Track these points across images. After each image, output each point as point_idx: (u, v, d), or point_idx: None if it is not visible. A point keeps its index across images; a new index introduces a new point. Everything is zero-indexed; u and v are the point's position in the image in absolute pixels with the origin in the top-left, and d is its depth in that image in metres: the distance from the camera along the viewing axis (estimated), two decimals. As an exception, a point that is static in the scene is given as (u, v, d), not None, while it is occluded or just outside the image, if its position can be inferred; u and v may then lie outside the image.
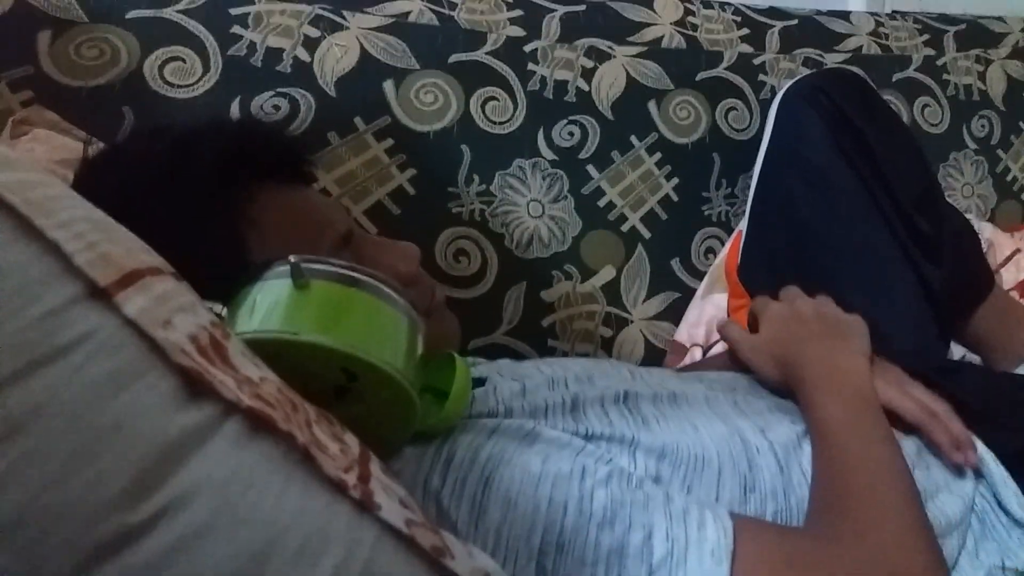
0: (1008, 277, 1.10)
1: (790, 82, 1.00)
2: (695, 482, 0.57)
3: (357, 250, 0.63)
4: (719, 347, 0.98)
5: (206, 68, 0.92)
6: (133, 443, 0.29)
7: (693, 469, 0.57)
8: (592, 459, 0.53)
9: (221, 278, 0.53)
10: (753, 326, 0.76)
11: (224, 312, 0.49)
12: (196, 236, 0.55)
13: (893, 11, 1.42)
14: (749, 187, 1.11)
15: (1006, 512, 0.64)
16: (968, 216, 1.12)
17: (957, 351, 0.97)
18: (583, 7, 1.12)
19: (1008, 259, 1.12)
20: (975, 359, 0.96)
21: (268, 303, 0.49)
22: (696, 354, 1.00)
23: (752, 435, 0.62)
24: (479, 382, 0.73)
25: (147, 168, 0.59)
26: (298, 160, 0.68)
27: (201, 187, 0.58)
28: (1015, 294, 1.06)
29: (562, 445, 0.54)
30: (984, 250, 1.05)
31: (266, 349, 0.43)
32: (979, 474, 0.67)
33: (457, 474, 0.51)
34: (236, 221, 0.58)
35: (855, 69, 1.18)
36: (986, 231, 1.16)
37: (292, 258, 0.49)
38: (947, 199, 1.02)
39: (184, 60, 0.91)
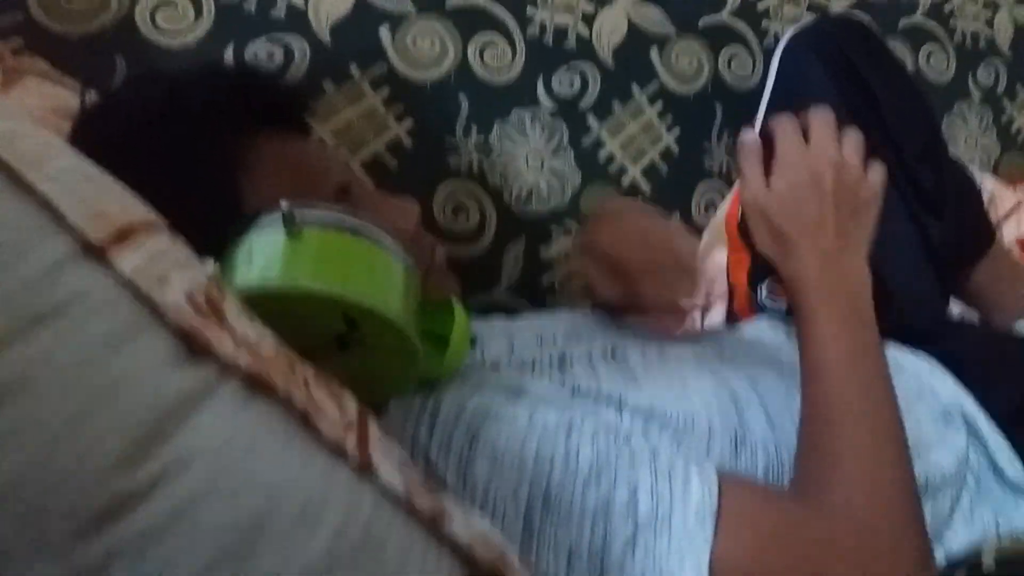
0: (1009, 231, 1.09)
1: (793, 28, 0.97)
2: (684, 440, 0.57)
3: (356, 203, 0.62)
4: (718, 306, 0.98)
5: (198, 13, 0.90)
6: (130, 405, 0.29)
7: (682, 429, 0.57)
8: (579, 413, 0.53)
9: (216, 227, 0.52)
10: (767, 151, 0.67)
11: (217, 267, 0.49)
12: (190, 183, 0.55)
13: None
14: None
15: (1001, 474, 0.65)
16: (971, 168, 1.11)
17: (955, 308, 0.97)
18: (584, -51, 1.09)
19: (1009, 213, 1.12)
20: (972, 316, 0.96)
21: (263, 254, 0.49)
22: (695, 316, 1.00)
23: (741, 387, 0.62)
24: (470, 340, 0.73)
25: (141, 115, 0.58)
26: (295, 108, 0.67)
27: (195, 133, 0.57)
28: (1015, 249, 1.06)
29: (548, 400, 0.54)
30: (985, 204, 1.04)
31: (265, 302, 0.43)
32: (973, 432, 0.67)
33: (443, 428, 0.51)
34: (230, 168, 0.57)
35: (860, 15, 1.16)
36: (988, 184, 1.15)
37: (283, 204, 0.49)
38: (950, 152, 1.01)
39: (176, 6, 0.89)
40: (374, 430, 0.40)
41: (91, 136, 0.57)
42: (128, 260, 0.31)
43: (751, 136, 0.68)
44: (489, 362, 0.62)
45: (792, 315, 0.63)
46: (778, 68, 0.96)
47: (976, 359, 0.72)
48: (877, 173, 0.66)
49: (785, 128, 0.67)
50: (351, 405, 0.41)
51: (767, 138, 0.67)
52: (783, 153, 0.66)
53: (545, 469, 0.49)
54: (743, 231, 0.81)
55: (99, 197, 0.33)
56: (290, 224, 0.48)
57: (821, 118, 0.66)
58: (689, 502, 0.48)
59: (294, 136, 0.65)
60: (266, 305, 0.41)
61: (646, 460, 0.50)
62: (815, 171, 0.64)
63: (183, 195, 0.51)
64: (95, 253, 0.30)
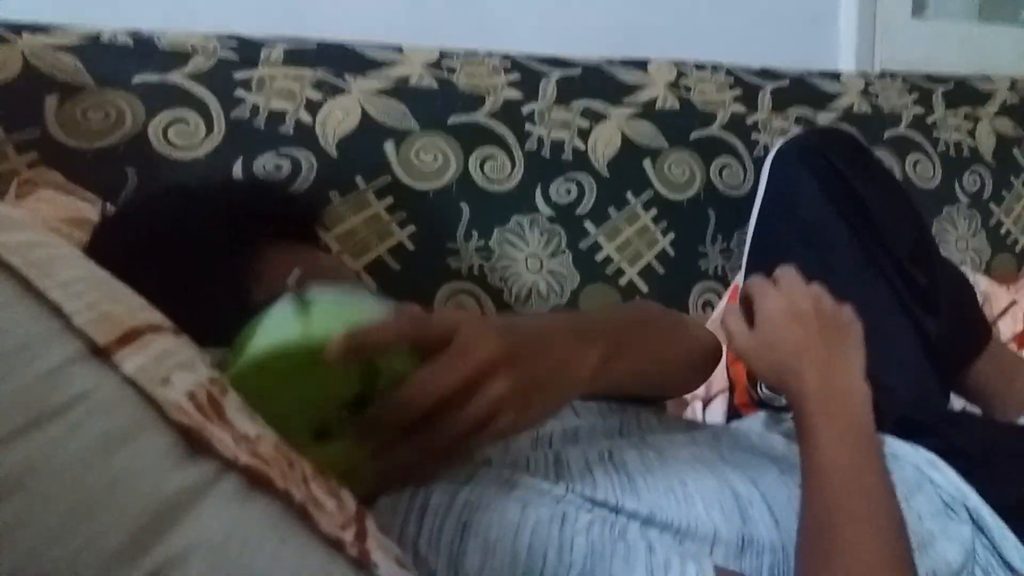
0: (1005, 328, 1.10)
1: (782, 140, 1.01)
2: (686, 543, 0.55)
3: None
4: (719, 399, 0.98)
5: (209, 129, 0.93)
6: (130, 501, 0.29)
7: (684, 533, 0.56)
8: (573, 506, 0.52)
9: (226, 334, 0.53)
10: (747, 309, 0.72)
11: (224, 353, 0.49)
12: (202, 292, 0.56)
13: (882, 71, 1.45)
14: (744, 242, 1.13)
15: (1008, 566, 0.63)
16: (963, 269, 1.13)
17: (957, 403, 0.97)
18: (578, 70, 1.15)
19: (1004, 311, 1.13)
20: (975, 411, 0.95)
21: (278, 322, 0.49)
22: (696, 406, 1.00)
23: (743, 486, 0.61)
24: None
25: (155, 224, 0.60)
26: (306, 220, 0.69)
27: (207, 243, 0.58)
28: (1013, 346, 1.06)
29: (542, 492, 0.53)
30: (981, 302, 1.05)
31: (280, 365, 0.44)
32: (978, 525, 0.66)
33: (433, 520, 0.50)
34: (241, 277, 0.59)
35: (846, 127, 1.21)
36: (981, 284, 1.17)
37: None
38: (942, 253, 1.03)
39: (188, 122, 0.93)
40: (372, 526, 0.39)
41: (108, 244, 0.59)
42: (132, 361, 0.32)
43: (729, 303, 0.72)
44: (481, 458, 0.62)
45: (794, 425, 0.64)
46: (768, 178, 0.99)
47: (978, 451, 0.72)
48: (849, 308, 0.70)
49: (756, 282, 0.71)
50: (349, 502, 0.41)
51: (746, 300, 0.72)
52: (760, 299, 0.70)
53: (538, 562, 0.48)
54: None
55: (107, 302, 0.34)
56: (299, 297, 0.49)
57: (786, 269, 0.72)
58: None
59: (304, 246, 0.67)
60: (280, 371, 0.42)
61: (641, 555, 0.49)
62: (793, 304, 0.68)
63: (195, 303, 0.52)
64: (100, 354, 0.31)
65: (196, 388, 0.35)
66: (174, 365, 0.35)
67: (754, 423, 0.83)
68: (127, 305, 0.36)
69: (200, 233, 0.58)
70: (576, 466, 0.60)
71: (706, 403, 1.00)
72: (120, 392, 0.31)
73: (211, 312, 0.54)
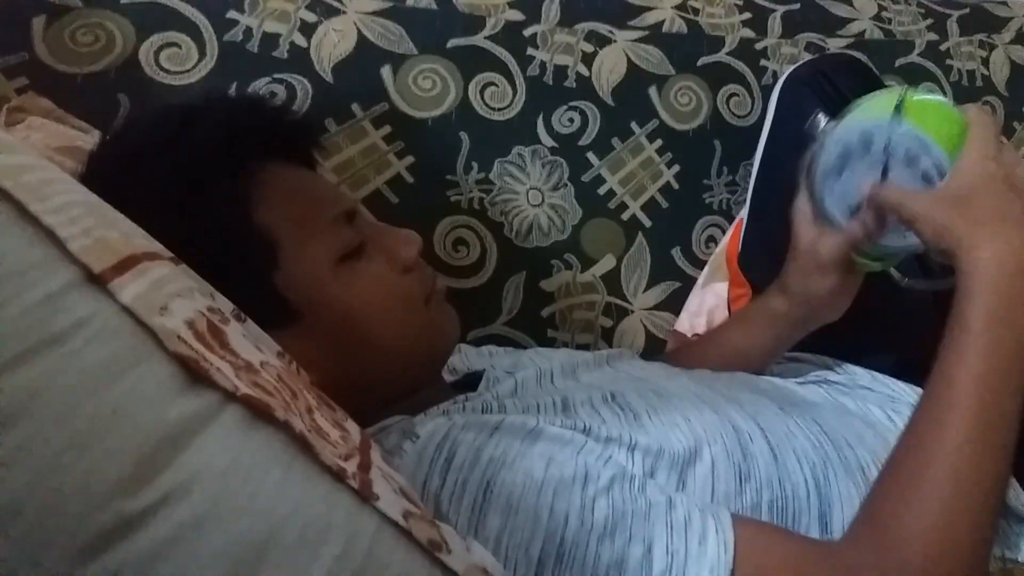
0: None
1: (791, 67, 0.99)
2: (689, 478, 0.56)
3: (360, 230, 0.63)
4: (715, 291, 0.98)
5: (202, 54, 0.91)
6: (131, 430, 0.29)
7: (686, 464, 0.56)
8: (594, 457, 0.53)
9: (224, 251, 0.53)
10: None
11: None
12: (200, 209, 0.55)
13: (896, -5, 1.41)
14: (750, 174, 1.11)
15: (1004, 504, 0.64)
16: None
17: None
18: (583, -9, 1.11)
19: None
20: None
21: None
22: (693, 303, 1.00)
23: (743, 422, 0.61)
24: (475, 376, 0.72)
25: (148, 143, 0.59)
26: (304, 141, 0.67)
27: (204, 161, 0.57)
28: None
29: (564, 442, 0.53)
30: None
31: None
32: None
33: (458, 475, 0.51)
34: (240, 193, 0.57)
35: (856, 54, 1.17)
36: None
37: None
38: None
39: (180, 46, 0.90)
40: (376, 455, 0.40)
41: (102, 167, 0.58)
42: (129, 289, 0.32)
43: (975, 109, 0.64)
44: (497, 404, 0.62)
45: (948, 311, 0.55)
46: (776, 105, 0.97)
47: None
48: None
49: (985, 114, 0.62)
50: (354, 432, 0.41)
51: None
52: (977, 144, 0.60)
53: (560, 524, 0.48)
54: (744, 266, 0.81)
55: (102, 228, 0.34)
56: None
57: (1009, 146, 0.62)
58: (704, 560, 0.47)
59: (302, 168, 0.66)
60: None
61: (662, 513, 0.49)
62: (1010, 176, 0.58)
63: (191, 223, 0.52)
64: (96, 282, 0.31)
65: (195, 316, 0.35)
66: (172, 293, 0.35)
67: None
68: (123, 232, 0.36)
69: (194, 151, 0.57)
70: (583, 410, 0.60)
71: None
72: (118, 320, 0.31)
73: (209, 232, 0.53)
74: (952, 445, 0.50)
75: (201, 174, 0.56)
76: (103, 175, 0.55)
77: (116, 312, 0.31)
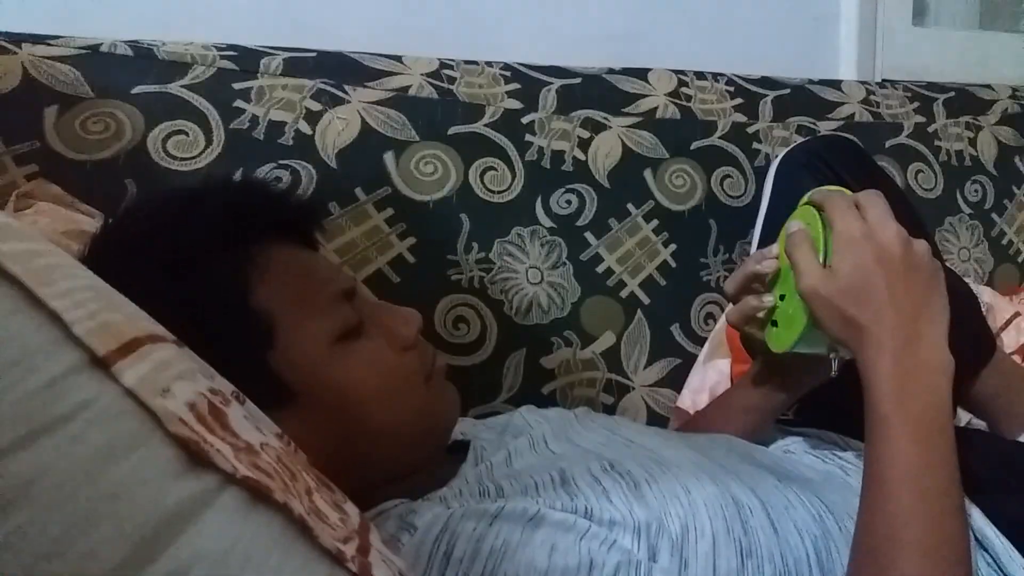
0: (1009, 341, 1.09)
1: (786, 149, 1.01)
2: (691, 557, 0.54)
3: (359, 309, 0.62)
4: (716, 368, 0.98)
5: (209, 141, 0.93)
6: (131, 514, 0.29)
7: (686, 543, 0.55)
8: (598, 543, 0.51)
9: (224, 331, 0.53)
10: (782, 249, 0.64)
11: None
12: (197, 290, 0.55)
13: (883, 79, 1.45)
14: (747, 253, 1.12)
15: None
16: (966, 280, 1.13)
17: (962, 418, 0.96)
18: (579, 80, 1.15)
19: (1008, 322, 1.12)
20: (981, 424, 0.94)
21: None
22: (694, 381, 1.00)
23: (743, 494, 0.60)
24: (462, 445, 0.72)
25: (149, 225, 0.59)
26: (305, 222, 0.67)
27: (206, 242, 0.57)
28: (1017, 358, 1.06)
29: (567, 528, 0.52)
30: (984, 314, 1.04)
31: None
32: (982, 545, 0.65)
33: (457, 569, 0.49)
34: (241, 273, 0.57)
35: (848, 135, 1.21)
36: (984, 295, 1.16)
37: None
38: (945, 263, 1.02)
39: (187, 133, 0.93)
40: (375, 539, 0.39)
41: (104, 250, 0.58)
42: (132, 371, 0.32)
43: (795, 224, 0.66)
44: (494, 486, 0.61)
45: (864, 411, 0.59)
46: (772, 186, 0.99)
47: (985, 468, 0.70)
48: (929, 250, 0.62)
49: (839, 203, 0.62)
50: (354, 514, 0.40)
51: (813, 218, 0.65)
52: (842, 231, 0.61)
53: None
54: (745, 342, 0.82)
55: (107, 311, 0.34)
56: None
57: (874, 196, 0.63)
58: None
59: (303, 249, 0.65)
60: None
61: None
62: (880, 246, 0.60)
63: (189, 302, 0.52)
64: (100, 365, 0.31)
65: (197, 398, 0.35)
66: (175, 375, 0.35)
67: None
68: (127, 315, 0.36)
69: (194, 233, 0.57)
70: (583, 481, 0.59)
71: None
72: (120, 403, 0.31)
73: (205, 313, 0.54)
74: (904, 520, 0.52)
75: (199, 256, 0.56)
76: (104, 256, 0.56)
77: (119, 395, 0.31)
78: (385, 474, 0.62)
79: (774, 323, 0.70)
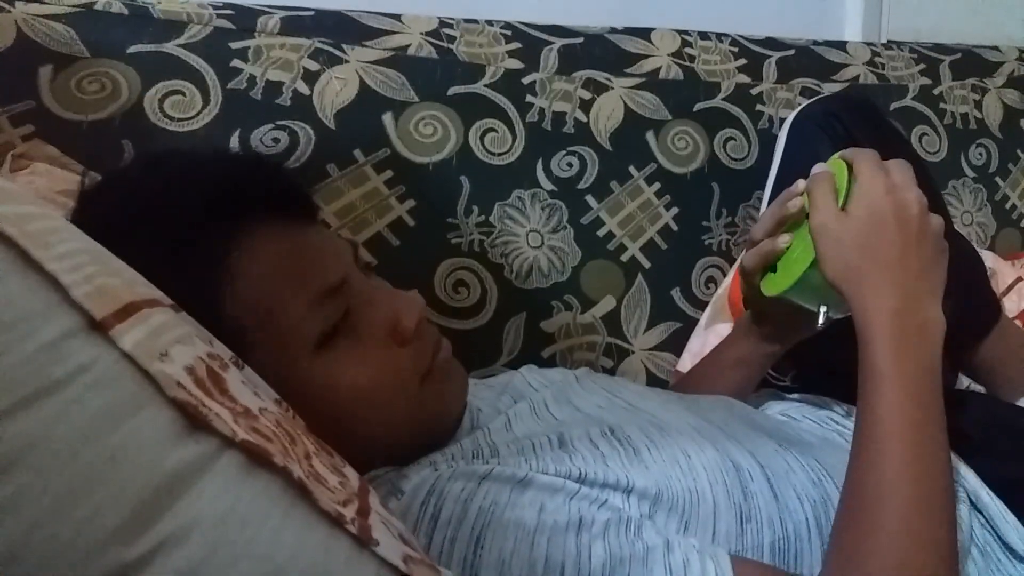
0: (1010, 306, 1.09)
1: (802, 104, 0.99)
2: (692, 520, 0.55)
3: (354, 295, 0.58)
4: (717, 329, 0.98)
5: (206, 101, 0.92)
6: (129, 477, 0.29)
7: (689, 507, 0.55)
8: (588, 502, 0.51)
9: (211, 314, 0.51)
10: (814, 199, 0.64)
11: None
12: (182, 272, 0.50)
13: (889, 40, 1.43)
14: (749, 216, 1.12)
15: (1008, 547, 0.63)
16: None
17: (963, 381, 0.96)
18: (580, 39, 1.13)
19: (1010, 287, 1.12)
20: (979, 389, 0.95)
21: None
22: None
23: (743, 459, 0.60)
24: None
25: (138, 198, 0.56)
26: (296, 198, 0.62)
27: (186, 221, 0.53)
28: (1018, 322, 1.06)
29: (555, 489, 0.52)
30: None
31: None
32: (975, 506, 0.65)
33: (445, 532, 0.49)
34: (223, 257, 0.54)
35: (864, 94, 1.19)
36: (987, 259, 1.16)
37: None
38: (953, 226, 1.01)
39: (184, 93, 0.91)
40: (375, 501, 0.39)
41: (90, 216, 0.55)
42: (130, 335, 0.32)
43: (821, 166, 0.67)
44: (489, 447, 0.61)
45: (859, 363, 0.59)
46: (785, 144, 0.97)
47: (979, 431, 0.71)
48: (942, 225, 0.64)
49: (870, 158, 0.64)
50: (353, 478, 0.40)
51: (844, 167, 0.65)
52: (866, 180, 0.62)
53: (555, 573, 0.47)
54: (748, 304, 0.81)
55: (104, 275, 0.34)
56: None
57: (904, 163, 0.64)
58: None
59: (296, 225, 0.59)
60: None
61: (659, 557, 0.49)
62: (900, 204, 0.61)
63: (177, 283, 0.49)
64: (98, 329, 0.31)
65: (195, 362, 0.35)
66: (173, 339, 0.35)
67: (758, 401, 0.83)
68: (125, 279, 0.36)
69: (178, 211, 0.53)
70: (582, 445, 0.58)
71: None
72: (118, 367, 0.31)
73: (194, 292, 0.51)
74: (894, 473, 0.53)
75: (181, 238, 0.53)
76: (91, 222, 0.52)
77: (116, 359, 0.31)
78: (381, 459, 0.60)
79: (774, 269, 0.71)
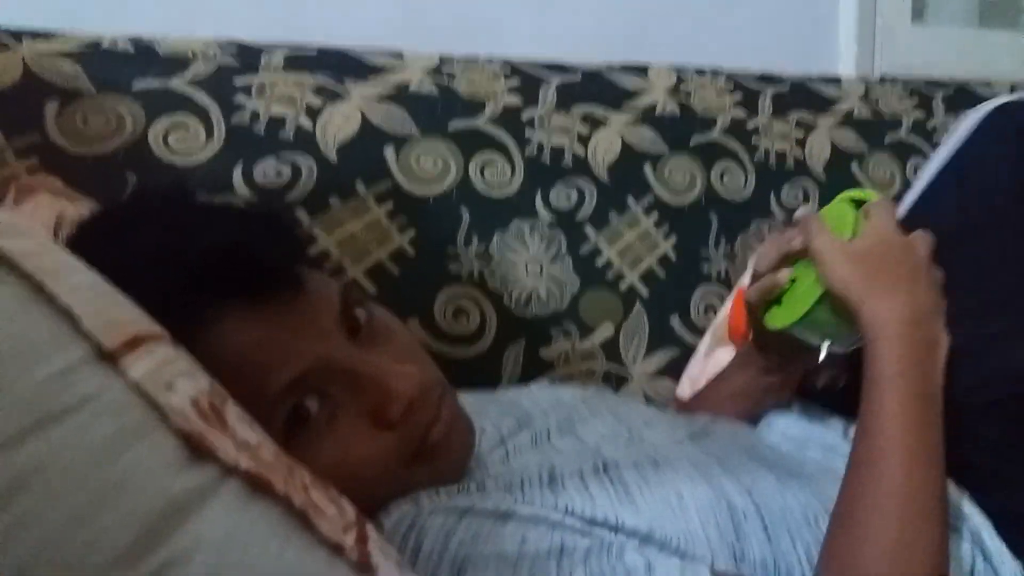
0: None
1: (1002, 98, 0.93)
2: (686, 559, 0.53)
3: (331, 381, 0.52)
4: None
5: (209, 135, 0.93)
6: (135, 503, 0.30)
7: (682, 546, 0.54)
8: (570, 532, 0.51)
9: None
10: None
11: None
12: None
13: (882, 76, 1.45)
14: (749, 245, 1.12)
15: None
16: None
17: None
18: (578, 76, 1.15)
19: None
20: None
21: None
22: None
23: (739, 498, 0.59)
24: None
25: (119, 254, 0.48)
26: (277, 276, 0.53)
27: (161, 297, 0.44)
28: None
29: (538, 520, 0.52)
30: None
31: None
32: (975, 537, 0.65)
33: (426, 566, 0.48)
34: (186, 340, 0.44)
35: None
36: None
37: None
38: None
39: (188, 128, 0.93)
40: (372, 531, 0.39)
41: (82, 251, 0.45)
42: (138, 366, 0.33)
43: (809, 216, 0.70)
44: (478, 479, 0.60)
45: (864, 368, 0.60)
46: (968, 137, 0.91)
47: (991, 456, 0.70)
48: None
49: (887, 207, 0.67)
50: (349, 509, 0.41)
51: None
52: (881, 215, 0.65)
53: None
54: (754, 336, 0.80)
55: (112, 309, 0.35)
56: None
57: (926, 234, 0.66)
58: None
59: (273, 304, 0.52)
60: None
61: None
62: (909, 241, 0.64)
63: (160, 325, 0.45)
64: (107, 359, 0.32)
65: (198, 395, 0.36)
66: (177, 372, 0.36)
67: (759, 425, 0.83)
68: (129, 313, 0.37)
69: (152, 284, 0.45)
70: (572, 484, 0.57)
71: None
72: (126, 396, 0.32)
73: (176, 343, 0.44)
74: (892, 478, 0.54)
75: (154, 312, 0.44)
76: (84, 256, 0.44)
77: (124, 388, 0.32)
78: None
79: (778, 302, 0.72)
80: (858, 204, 0.70)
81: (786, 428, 0.81)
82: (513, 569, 0.48)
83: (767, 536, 0.57)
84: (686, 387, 1.04)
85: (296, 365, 0.51)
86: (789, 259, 0.71)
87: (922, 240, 0.64)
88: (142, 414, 0.32)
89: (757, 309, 0.74)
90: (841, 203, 0.71)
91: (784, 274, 0.71)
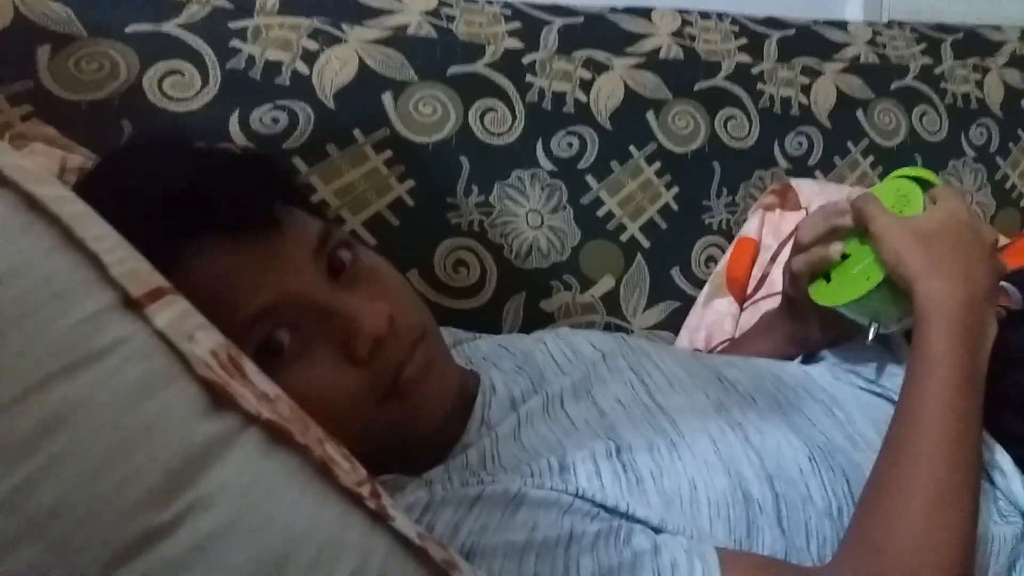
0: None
1: None
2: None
3: (301, 314, 0.53)
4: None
5: (205, 81, 0.92)
6: (163, 446, 0.31)
7: (692, 535, 0.54)
8: (580, 515, 0.51)
9: None
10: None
11: None
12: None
13: (890, 20, 1.42)
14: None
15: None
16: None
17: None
18: (581, 19, 1.13)
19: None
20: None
21: None
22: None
23: (757, 487, 0.57)
24: (473, 373, 0.70)
25: (111, 196, 0.46)
26: (255, 211, 0.54)
27: (142, 231, 0.43)
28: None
29: (549, 504, 0.51)
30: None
31: None
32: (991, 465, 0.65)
33: None
34: (168, 274, 0.44)
35: None
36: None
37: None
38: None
39: (183, 73, 0.91)
40: (381, 488, 0.41)
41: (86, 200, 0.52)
42: (161, 316, 0.34)
43: (863, 196, 0.69)
44: (494, 454, 0.59)
45: (911, 344, 0.61)
46: None
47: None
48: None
49: (955, 191, 0.67)
50: (359, 466, 0.42)
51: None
52: (949, 196, 0.66)
53: None
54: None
55: (133, 260, 0.36)
56: None
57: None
58: None
59: (248, 237, 0.53)
60: None
61: (647, 562, 0.48)
62: (977, 224, 0.64)
63: None
64: (133, 306, 0.33)
65: (217, 347, 0.37)
66: (195, 326, 0.36)
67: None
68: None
69: (134, 219, 0.44)
70: (583, 469, 0.56)
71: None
72: (152, 343, 0.33)
73: None
74: (930, 457, 0.54)
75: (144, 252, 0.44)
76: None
77: (150, 335, 0.33)
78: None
79: (827, 277, 0.71)
80: (918, 183, 0.69)
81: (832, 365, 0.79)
82: (520, 557, 0.48)
83: (781, 530, 0.56)
84: (684, 338, 1.04)
85: (262, 296, 0.52)
86: (839, 233, 0.70)
87: (990, 228, 0.65)
88: (168, 361, 0.33)
89: (801, 280, 0.73)
90: (899, 180, 0.70)
91: (837, 248, 0.69)
